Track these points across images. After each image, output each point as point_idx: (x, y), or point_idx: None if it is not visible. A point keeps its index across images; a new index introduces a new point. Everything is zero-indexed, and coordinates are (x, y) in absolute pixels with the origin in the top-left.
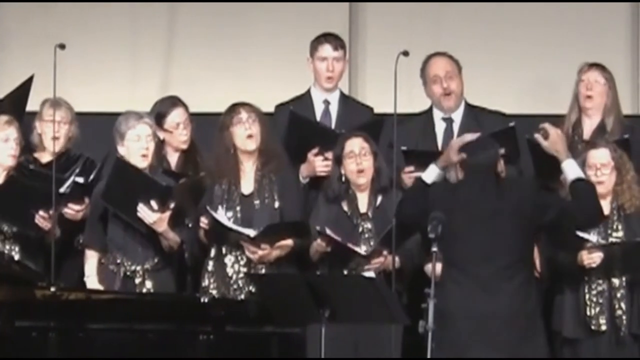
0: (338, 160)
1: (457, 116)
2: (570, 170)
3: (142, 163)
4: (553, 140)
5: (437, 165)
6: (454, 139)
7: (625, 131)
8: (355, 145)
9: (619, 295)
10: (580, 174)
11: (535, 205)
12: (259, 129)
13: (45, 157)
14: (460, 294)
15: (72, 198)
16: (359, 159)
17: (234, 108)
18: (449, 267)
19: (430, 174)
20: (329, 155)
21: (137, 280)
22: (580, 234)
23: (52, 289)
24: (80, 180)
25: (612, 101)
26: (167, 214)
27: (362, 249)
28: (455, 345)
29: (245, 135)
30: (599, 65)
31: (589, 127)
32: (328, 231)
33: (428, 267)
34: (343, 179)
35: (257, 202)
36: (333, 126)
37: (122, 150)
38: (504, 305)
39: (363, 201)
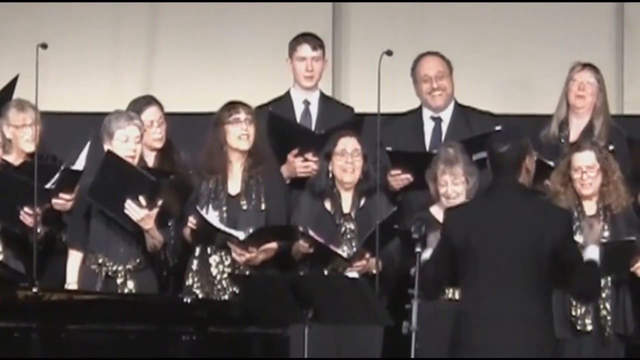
0: (328, 157)
1: (446, 116)
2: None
3: None
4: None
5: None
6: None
7: (611, 136)
8: (349, 144)
9: (604, 295)
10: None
11: (560, 244)
12: (253, 130)
13: (16, 159)
14: (480, 303)
15: (60, 186)
16: (350, 158)
17: (233, 106)
18: (467, 292)
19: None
20: (309, 156)
21: (119, 281)
22: None
23: (34, 290)
24: (74, 167)
25: (601, 103)
26: (155, 210)
27: (344, 251)
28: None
29: (241, 134)
30: (592, 65)
31: (576, 127)
32: (311, 232)
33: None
34: (330, 175)
35: (243, 202)
36: (313, 126)
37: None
38: (519, 317)
39: (347, 201)
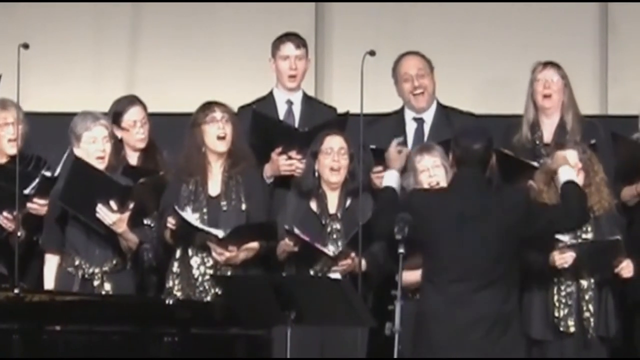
0: (314, 155)
1: (429, 116)
2: (564, 174)
3: (99, 165)
4: (559, 159)
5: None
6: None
7: (586, 131)
8: (335, 142)
9: (587, 297)
10: (573, 178)
11: (526, 219)
12: (231, 129)
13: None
14: (441, 302)
15: (38, 193)
16: (336, 156)
17: (209, 106)
18: (429, 274)
19: (390, 178)
20: (293, 154)
21: (96, 283)
22: (555, 235)
23: (16, 291)
24: (48, 174)
25: (569, 99)
26: (127, 214)
27: (329, 250)
28: (432, 351)
29: (218, 135)
30: (554, 63)
31: (549, 127)
32: (296, 230)
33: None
34: (316, 174)
35: (224, 203)
36: (296, 126)
37: (78, 151)
38: (484, 314)
39: (333, 201)
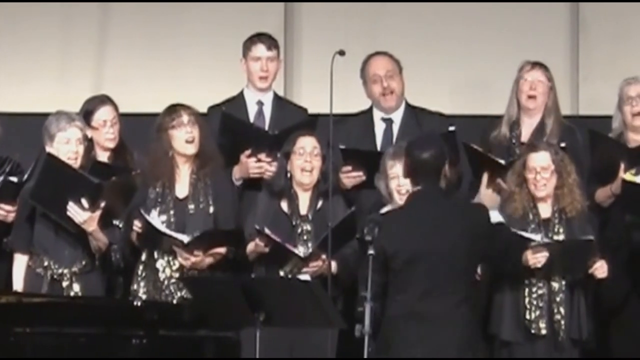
0: (287, 156)
1: (397, 116)
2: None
3: None
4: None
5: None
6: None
7: (563, 134)
8: (308, 143)
9: (558, 299)
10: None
11: (485, 237)
12: (198, 132)
13: None
14: (407, 322)
15: (3, 198)
16: (308, 157)
17: (175, 110)
18: (394, 294)
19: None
20: (263, 156)
21: (65, 284)
22: (525, 234)
23: None
24: (14, 179)
25: (552, 102)
26: (98, 213)
27: (300, 251)
28: (397, 351)
29: (186, 138)
30: (542, 64)
31: (528, 127)
32: (267, 230)
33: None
34: (288, 175)
35: (191, 206)
36: (267, 127)
37: (50, 151)
38: (450, 333)
39: (304, 202)
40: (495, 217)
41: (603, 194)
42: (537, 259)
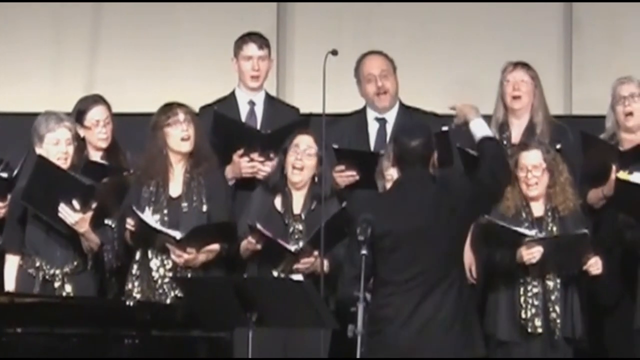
0: (285, 153)
1: (391, 116)
2: (478, 129)
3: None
4: (459, 109)
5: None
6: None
7: (555, 133)
8: (303, 141)
9: (552, 297)
10: (489, 133)
11: (470, 203)
12: (193, 130)
13: None
14: (397, 302)
15: None
16: (300, 155)
17: (170, 108)
18: (383, 275)
19: (481, 127)
20: (255, 156)
21: (57, 284)
22: (519, 229)
23: None
24: (4, 175)
25: (539, 100)
26: (89, 214)
27: (292, 248)
28: (391, 352)
29: (181, 136)
30: (524, 63)
31: (517, 128)
32: (259, 226)
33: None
34: (284, 171)
35: (185, 205)
36: (259, 127)
37: (40, 152)
38: (440, 312)
39: (298, 202)
40: (478, 127)
41: (595, 196)
42: (532, 254)
